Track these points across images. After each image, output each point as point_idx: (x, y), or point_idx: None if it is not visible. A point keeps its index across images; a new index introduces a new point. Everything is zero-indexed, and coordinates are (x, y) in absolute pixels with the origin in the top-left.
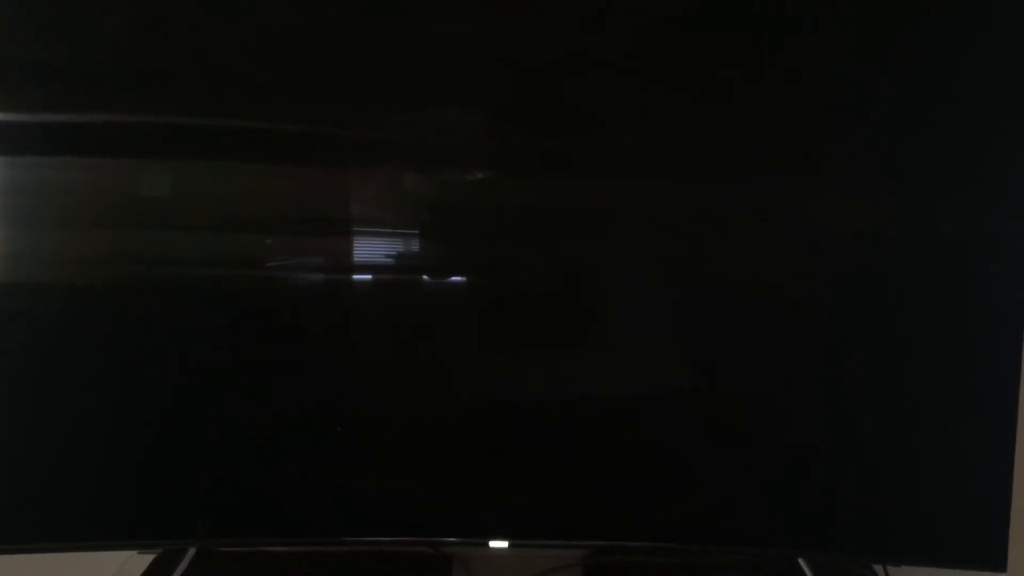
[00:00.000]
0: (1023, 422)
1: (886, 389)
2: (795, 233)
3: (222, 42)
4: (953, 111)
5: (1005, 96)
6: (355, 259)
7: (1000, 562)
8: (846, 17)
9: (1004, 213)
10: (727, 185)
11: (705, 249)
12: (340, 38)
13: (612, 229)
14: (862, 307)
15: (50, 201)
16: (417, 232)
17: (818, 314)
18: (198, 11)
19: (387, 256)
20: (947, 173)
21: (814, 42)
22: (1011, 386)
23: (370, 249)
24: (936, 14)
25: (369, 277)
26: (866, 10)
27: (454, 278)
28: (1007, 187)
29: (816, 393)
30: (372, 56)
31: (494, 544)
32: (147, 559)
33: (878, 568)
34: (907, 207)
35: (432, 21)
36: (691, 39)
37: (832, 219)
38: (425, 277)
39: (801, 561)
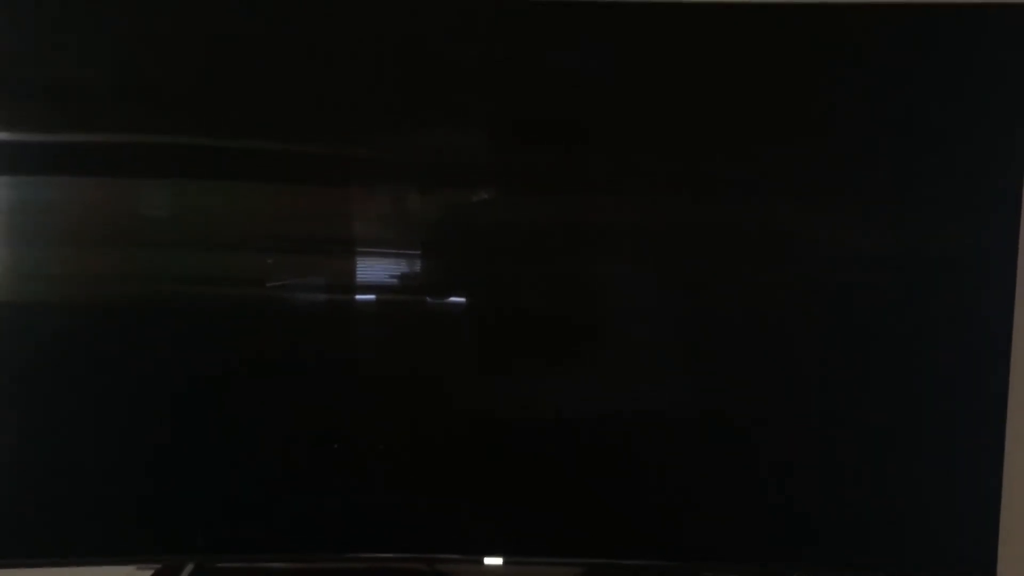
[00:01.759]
0: (1011, 437)
1: (877, 406)
2: (790, 252)
3: (226, 63)
4: (942, 137)
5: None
6: (357, 278)
7: (990, 569)
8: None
9: (991, 232)
10: (726, 204)
11: (703, 267)
12: (342, 60)
13: (612, 247)
14: (853, 327)
15: (53, 220)
16: (419, 252)
17: (810, 333)
18: (202, 33)
19: (389, 276)
20: (933, 194)
21: (814, 68)
22: (999, 401)
23: (372, 269)
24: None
25: (372, 297)
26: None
27: (454, 297)
28: (990, 209)
29: (809, 411)
30: (373, 78)
31: (489, 561)
32: (146, 575)
33: None
34: (900, 227)
35: (432, 44)
36: (689, 61)
37: (826, 238)
38: (428, 299)
39: None
